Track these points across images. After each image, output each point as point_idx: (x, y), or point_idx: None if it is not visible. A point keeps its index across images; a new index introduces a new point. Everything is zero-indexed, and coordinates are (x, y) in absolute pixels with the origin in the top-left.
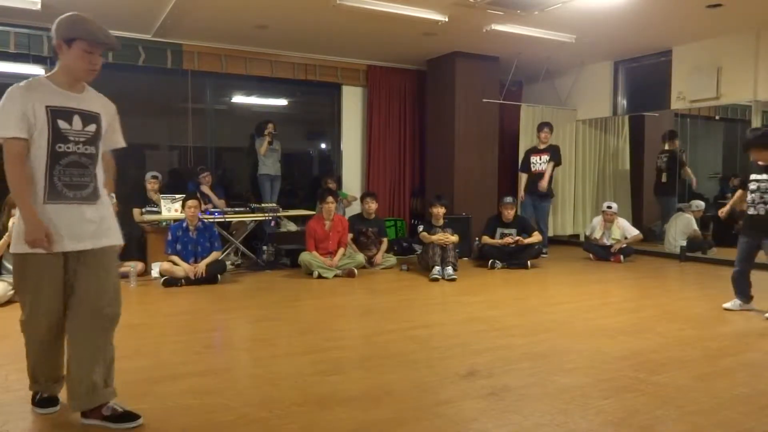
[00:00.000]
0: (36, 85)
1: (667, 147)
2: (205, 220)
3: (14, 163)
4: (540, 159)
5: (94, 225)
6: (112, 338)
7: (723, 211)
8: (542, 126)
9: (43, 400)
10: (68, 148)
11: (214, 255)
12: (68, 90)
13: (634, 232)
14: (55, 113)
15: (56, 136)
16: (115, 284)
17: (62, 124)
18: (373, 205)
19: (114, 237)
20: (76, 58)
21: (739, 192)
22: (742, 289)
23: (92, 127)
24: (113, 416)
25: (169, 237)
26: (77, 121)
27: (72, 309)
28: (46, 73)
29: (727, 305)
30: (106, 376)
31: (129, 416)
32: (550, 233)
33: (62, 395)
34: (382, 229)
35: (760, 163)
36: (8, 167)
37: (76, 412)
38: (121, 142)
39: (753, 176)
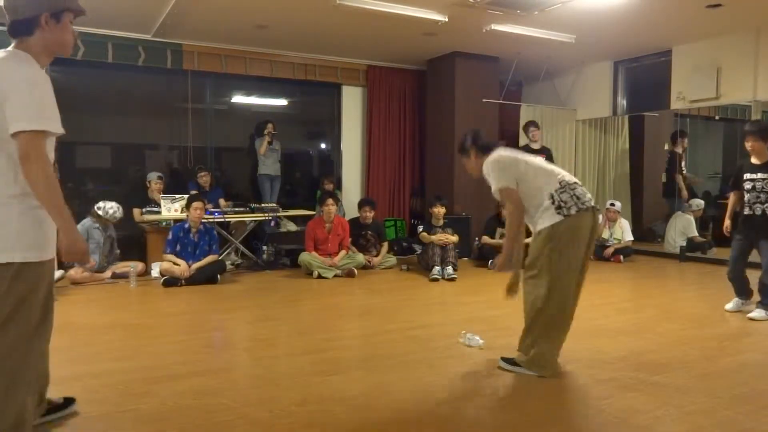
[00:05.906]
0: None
1: (676, 150)
2: (207, 224)
3: (48, 164)
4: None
5: None
6: None
7: (727, 227)
8: (530, 125)
9: None
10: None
11: (210, 258)
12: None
13: (629, 237)
14: None
15: None
16: None
17: None
18: (370, 214)
19: None
20: (66, 32)
21: (732, 197)
22: (742, 288)
23: None
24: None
25: (170, 236)
26: None
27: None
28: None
29: (728, 306)
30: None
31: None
32: None
33: None
34: (380, 231)
35: (753, 161)
36: (44, 168)
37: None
38: None
39: (747, 176)
